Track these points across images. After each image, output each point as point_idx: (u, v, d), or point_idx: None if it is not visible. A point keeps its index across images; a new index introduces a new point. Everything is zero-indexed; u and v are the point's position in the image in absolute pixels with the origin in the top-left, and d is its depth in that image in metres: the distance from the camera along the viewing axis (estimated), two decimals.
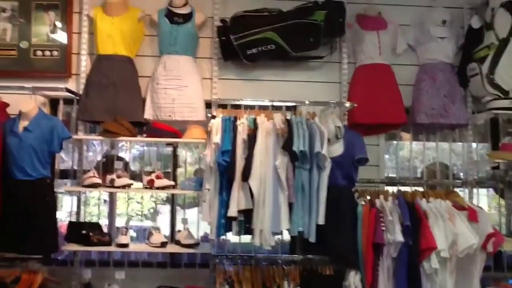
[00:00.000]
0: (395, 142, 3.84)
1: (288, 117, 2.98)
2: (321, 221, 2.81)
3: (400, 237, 2.72)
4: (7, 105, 2.99)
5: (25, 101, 2.97)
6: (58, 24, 3.41)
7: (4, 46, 3.36)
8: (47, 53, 3.39)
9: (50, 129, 2.91)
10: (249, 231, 2.87)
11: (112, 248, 3.05)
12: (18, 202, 2.84)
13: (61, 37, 3.40)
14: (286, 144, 2.83)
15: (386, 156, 4.20)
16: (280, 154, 2.84)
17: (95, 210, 3.72)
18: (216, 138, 2.89)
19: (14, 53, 3.36)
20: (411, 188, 3.23)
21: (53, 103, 3.43)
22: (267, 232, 2.76)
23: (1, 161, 2.81)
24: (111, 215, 3.62)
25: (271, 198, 2.80)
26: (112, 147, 3.57)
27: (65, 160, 3.55)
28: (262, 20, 3.31)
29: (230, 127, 2.95)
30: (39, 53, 3.38)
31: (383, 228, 2.77)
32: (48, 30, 3.41)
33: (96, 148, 3.72)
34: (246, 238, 2.99)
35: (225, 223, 2.88)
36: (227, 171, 2.84)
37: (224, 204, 2.87)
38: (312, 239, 2.81)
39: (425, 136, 3.65)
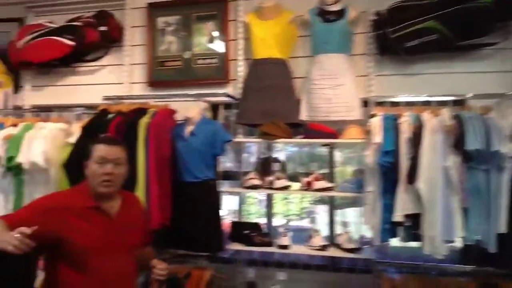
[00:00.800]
0: None
1: (457, 113, 2.71)
2: (503, 229, 2.48)
3: None
4: (174, 111, 3.21)
5: (190, 107, 3.16)
6: (216, 33, 3.57)
7: (171, 58, 3.63)
8: (207, 61, 3.57)
9: (213, 133, 3.05)
10: (416, 237, 2.66)
11: (273, 249, 3.09)
12: (187, 203, 3.03)
13: (219, 45, 3.56)
14: (457, 142, 2.57)
15: None
16: (450, 154, 2.58)
17: (252, 209, 3.81)
18: (377, 137, 2.74)
19: (179, 63, 3.61)
20: None
21: (214, 108, 3.60)
22: (438, 239, 2.53)
23: (171, 165, 3.02)
24: (269, 215, 3.68)
25: (441, 202, 2.56)
26: (268, 148, 3.63)
27: (225, 162, 3.70)
28: (421, 8, 3.06)
29: (392, 126, 2.77)
30: (200, 61, 3.58)
31: None
32: (207, 39, 3.60)
33: (252, 149, 3.83)
34: (410, 244, 2.79)
35: (389, 229, 2.71)
36: (391, 173, 2.68)
37: (388, 208, 2.70)
38: (492, 249, 2.50)
39: None
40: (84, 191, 2.09)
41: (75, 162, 2.94)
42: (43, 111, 3.57)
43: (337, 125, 3.17)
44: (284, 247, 3.03)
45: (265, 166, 3.42)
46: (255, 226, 3.28)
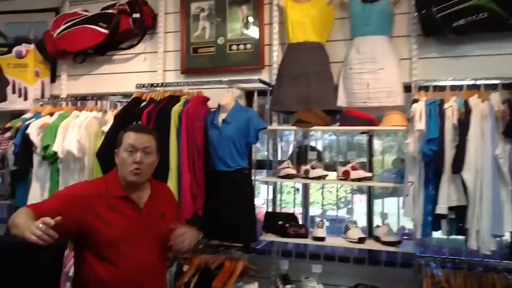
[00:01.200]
0: None
1: (508, 97, 2.50)
2: None
3: None
4: (207, 99, 3.14)
5: (223, 95, 3.07)
6: (250, 18, 3.46)
7: (204, 44, 3.55)
8: (241, 47, 3.47)
9: (246, 121, 2.96)
10: (461, 231, 2.49)
11: (308, 241, 2.97)
12: (219, 192, 2.96)
13: (253, 30, 3.44)
14: (508, 129, 2.37)
15: None
16: (501, 141, 2.39)
17: (288, 198, 3.70)
18: (420, 124, 2.57)
19: (212, 50, 3.52)
20: None
21: (248, 95, 3.51)
22: (485, 234, 2.36)
23: (203, 153, 2.95)
24: (305, 204, 3.57)
25: (490, 194, 2.38)
26: (304, 136, 3.50)
27: (260, 150, 3.61)
28: None
29: (436, 112, 2.59)
30: (234, 47, 3.48)
31: None
32: (241, 24, 3.49)
33: (288, 137, 3.72)
34: (454, 238, 2.62)
35: (432, 221, 2.55)
36: (434, 162, 2.50)
37: (431, 199, 2.54)
38: None
39: None
40: (114, 180, 2.06)
41: (107, 151, 2.92)
42: (79, 100, 3.59)
43: (376, 112, 3.01)
44: (320, 239, 2.91)
45: (301, 155, 3.31)
46: (290, 217, 3.18)
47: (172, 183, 2.84)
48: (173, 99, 3.10)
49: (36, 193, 3.29)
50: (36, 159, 3.31)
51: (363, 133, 3.24)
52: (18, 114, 3.64)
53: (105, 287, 1.94)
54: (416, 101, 2.70)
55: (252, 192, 3.03)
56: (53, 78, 3.96)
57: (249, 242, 3.04)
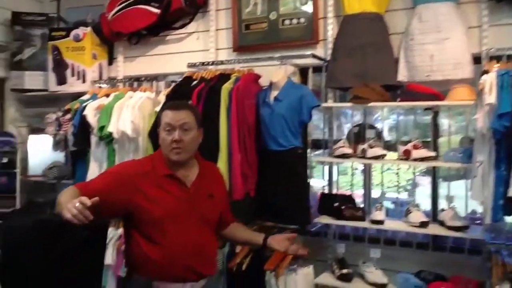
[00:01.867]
0: None
1: None
2: None
3: None
4: (258, 76, 3.03)
5: (275, 71, 2.95)
6: None
7: (256, 20, 3.41)
8: (294, 21, 3.30)
9: (299, 98, 2.82)
10: None
11: (365, 224, 2.81)
12: (272, 172, 2.86)
13: (307, 3, 3.26)
14: None
15: None
16: None
17: (346, 180, 3.52)
18: (491, 97, 2.31)
19: (264, 26, 3.38)
20: None
21: (303, 72, 3.35)
22: None
23: (255, 132, 2.87)
24: (366, 186, 3.38)
25: None
26: (364, 115, 3.31)
27: (317, 129, 3.46)
28: None
29: (509, 83, 2.32)
30: (286, 22, 3.33)
31: None
32: None
33: (347, 116, 3.54)
34: None
35: (504, 205, 2.31)
36: (507, 139, 2.26)
37: (503, 180, 2.30)
38: None
39: None
40: (160, 159, 2.02)
41: (156, 131, 2.91)
42: (135, 81, 3.60)
43: (441, 86, 2.76)
44: (378, 222, 2.74)
45: (358, 134, 3.12)
46: (347, 199, 3.02)
47: (222, 164, 2.78)
48: (224, 77, 3.03)
49: (94, 173, 3.35)
50: (93, 139, 3.37)
51: (426, 109, 3.00)
52: (77, 96, 3.72)
53: (153, 266, 1.92)
54: (486, 72, 2.44)
55: (305, 172, 2.91)
56: (110, 60, 4.00)
57: (303, 224, 2.93)
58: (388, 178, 3.93)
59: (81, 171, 3.48)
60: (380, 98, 2.79)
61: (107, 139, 3.28)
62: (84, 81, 3.79)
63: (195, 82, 3.07)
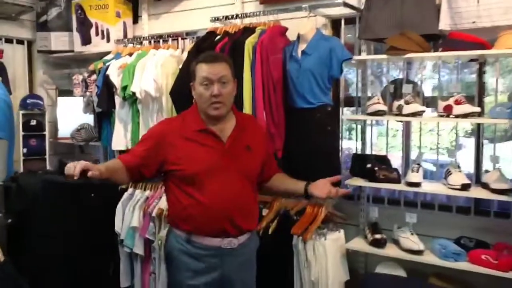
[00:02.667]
0: None
1: None
2: None
3: None
4: (285, 29, 2.81)
5: (302, 23, 2.72)
6: None
7: None
8: None
9: (328, 51, 2.60)
10: None
11: (400, 187, 2.61)
12: (300, 131, 2.69)
13: None
14: None
15: None
16: None
17: (384, 140, 3.30)
18: None
19: None
20: None
21: (335, 25, 3.10)
22: None
23: (281, 89, 2.68)
24: (404, 147, 3.16)
25: None
26: (401, 68, 3.04)
27: (350, 85, 3.24)
28: None
29: None
30: None
31: None
32: None
33: (380, 70, 3.28)
34: None
35: None
36: None
37: None
38: None
39: None
40: (194, 115, 2.01)
41: (180, 89, 2.78)
42: (159, 39, 3.46)
43: (489, 34, 2.46)
44: (414, 184, 2.52)
45: (395, 90, 2.87)
46: (381, 159, 2.80)
47: None
48: (248, 31, 2.83)
49: (120, 134, 3.29)
50: (117, 100, 3.29)
51: (471, 60, 2.71)
52: (103, 56, 3.62)
53: (192, 221, 1.93)
54: None
55: (336, 131, 2.72)
56: (135, 19, 3.87)
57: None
58: (429, 140, 3.66)
59: (107, 133, 3.42)
60: (419, 49, 2.52)
61: (131, 99, 3.18)
62: (108, 41, 3.69)
63: (218, 37, 2.90)
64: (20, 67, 3.94)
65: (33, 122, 3.71)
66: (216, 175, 1.92)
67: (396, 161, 3.12)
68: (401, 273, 2.65)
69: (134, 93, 3.11)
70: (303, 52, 2.67)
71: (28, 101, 3.70)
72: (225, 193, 1.92)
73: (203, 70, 1.92)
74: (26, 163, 3.69)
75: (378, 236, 2.65)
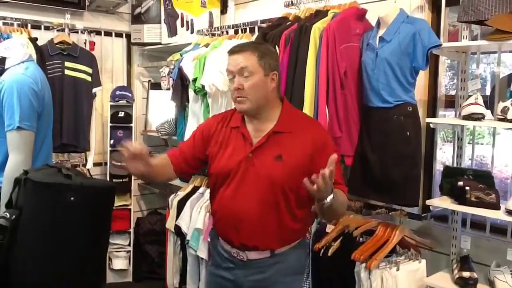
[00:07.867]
0: None
1: None
2: None
3: None
4: (363, 11, 2.35)
5: (383, 4, 2.24)
6: None
7: None
8: None
9: (411, 36, 2.10)
10: None
11: (497, 214, 1.98)
12: (373, 135, 2.24)
13: None
14: None
15: None
16: None
17: (488, 151, 2.61)
18: None
19: None
20: None
21: (435, 7, 2.52)
22: None
23: (352, 84, 2.24)
24: None
25: None
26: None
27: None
28: None
29: None
30: None
31: None
32: None
33: (489, 61, 2.58)
34: None
35: None
36: None
37: None
38: None
39: None
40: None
41: None
42: (243, 28, 3.21)
43: None
44: None
45: (501, 88, 2.23)
46: (481, 176, 2.17)
47: None
48: (321, 14, 2.43)
49: (192, 129, 3.11)
50: (191, 93, 3.12)
51: None
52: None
53: (213, 220, 1.88)
54: None
55: (417, 138, 2.19)
56: (225, 9, 3.68)
57: (410, 204, 2.23)
58: None
59: (181, 127, 3.29)
60: None
61: (201, 93, 2.99)
62: (192, 32, 3.55)
63: (288, 23, 2.54)
64: (119, 59, 4.02)
65: (121, 114, 3.74)
66: (233, 181, 1.72)
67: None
68: None
69: (203, 86, 2.91)
70: (381, 38, 2.19)
71: (117, 92, 3.75)
72: (234, 203, 1.71)
73: (227, 62, 1.75)
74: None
75: (466, 274, 2.07)
